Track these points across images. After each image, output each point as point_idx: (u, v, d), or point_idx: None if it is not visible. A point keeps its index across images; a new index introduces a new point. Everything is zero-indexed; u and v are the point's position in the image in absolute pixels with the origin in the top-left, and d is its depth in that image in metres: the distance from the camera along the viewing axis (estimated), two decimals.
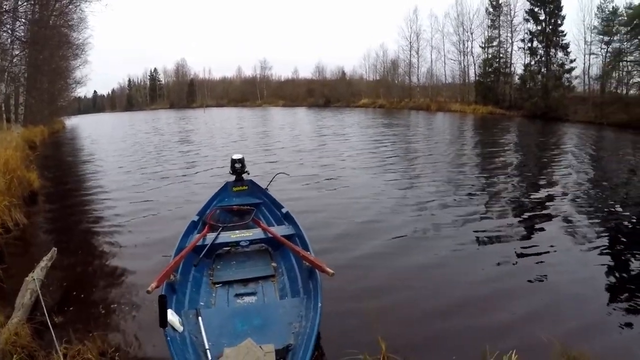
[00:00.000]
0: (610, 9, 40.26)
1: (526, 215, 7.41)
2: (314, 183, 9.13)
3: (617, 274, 5.08)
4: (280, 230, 4.75)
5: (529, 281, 4.71)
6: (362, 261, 5.07)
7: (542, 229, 6.60)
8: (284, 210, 5.45)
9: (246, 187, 6.64)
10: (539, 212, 7.67)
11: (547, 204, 8.20)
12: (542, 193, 9.17)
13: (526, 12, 42.64)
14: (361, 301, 3.98)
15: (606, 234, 6.31)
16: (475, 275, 4.75)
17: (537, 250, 5.64)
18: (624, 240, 6.31)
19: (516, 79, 43.20)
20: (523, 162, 13.81)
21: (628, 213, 7.73)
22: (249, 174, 6.78)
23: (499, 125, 27.73)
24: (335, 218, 6.80)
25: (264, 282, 3.97)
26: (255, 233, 4.77)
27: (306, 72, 74.82)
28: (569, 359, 3.03)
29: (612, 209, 8.02)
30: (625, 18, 38.96)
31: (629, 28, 38.44)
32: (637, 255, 5.65)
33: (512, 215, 7.32)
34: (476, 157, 13.99)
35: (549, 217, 7.27)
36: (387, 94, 50.52)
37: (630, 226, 6.98)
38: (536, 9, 42.27)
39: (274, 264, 4.32)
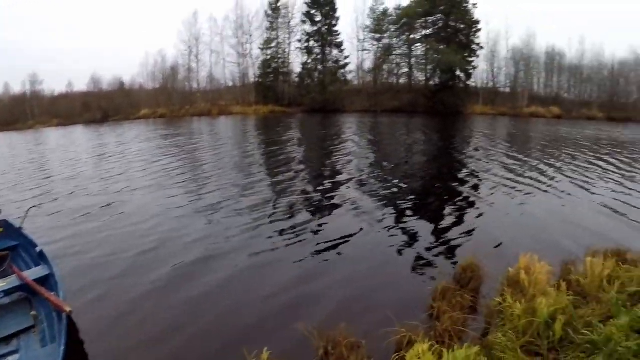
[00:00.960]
0: (382, 10, 52.70)
1: (318, 207, 8.15)
2: (87, 214, 8.90)
3: (406, 252, 6.25)
4: (35, 273, 4.76)
5: (329, 280, 5.45)
6: (136, 304, 5.14)
7: (334, 219, 7.48)
8: (38, 250, 5.40)
9: (0, 230, 6.26)
10: (329, 203, 8.54)
11: (336, 192, 9.22)
12: (330, 183, 10.24)
13: (303, 14, 51.30)
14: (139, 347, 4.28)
15: (393, 212, 7.72)
16: (265, 290, 5.28)
17: (332, 242, 6.44)
18: (410, 214, 7.77)
19: (294, 77, 51.03)
20: (307, 155, 15.24)
21: (407, 186, 9.69)
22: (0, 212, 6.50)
23: (281, 123, 31.63)
24: (110, 254, 6.59)
25: (24, 335, 3.97)
26: (10, 282, 4.61)
27: (82, 85, 66.43)
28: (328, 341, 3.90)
29: (395, 187, 9.63)
30: (395, 17, 50.72)
31: (397, 26, 50.08)
32: (420, 228, 6.99)
33: (305, 211, 7.93)
34: (261, 157, 15.53)
35: (339, 206, 8.16)
36: (168, 102, 49.48)
37: (414, 200, 8.67)
38: (313, 11, 51.26)
39: (34, 313, 4.29)
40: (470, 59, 50.74)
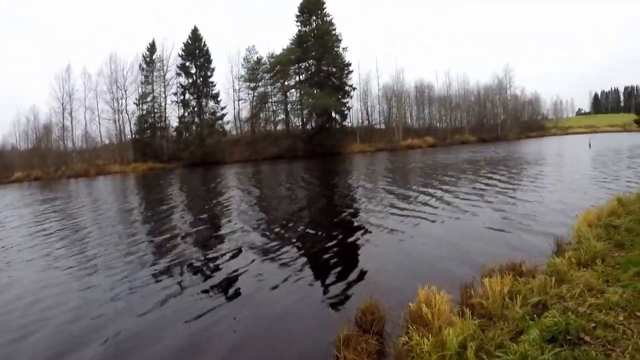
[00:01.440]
0: (255, 59, 59.56)
1: (203, 263, 8.42)
2: None
3: (302, 304, 6.36)
4: None
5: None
6: None
7: (221, 276, 7.61)
8: None
9: None
10: (214, 259, 8.68)
11: (221, 248, 9.42)
12: (214, 239, 10.55)
13: (178, 66, 55.33)
14: None
15: (281, 264, 8.02)
16: None
17: (222, 300, 6.57)
18: (299, 263, 8.11)
19: (172, 131, 54.64)
20: (189, 213, 15.53)
21: (293, 235, 10.46)
22: None
23: (161, 180, 32.32)
24: None
25: None
26: None
27: None
28: None
29: (282, 237, 10.25)
30: (268, 66, 57.63)
31: (271, 74, 56.99)
32: (311, 276, 7.35)
33: (190, 270, 8.08)
34: (142, 220, 14.93)
35: (224, 263, 8.33)
36: (42, 163, 48.35)
37: (302, 248, 9.20)
38: (187, 63, 55.61)
39: None
40: (344, 100, 59.50)
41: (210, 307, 6.29)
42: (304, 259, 8.47)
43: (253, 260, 8.36)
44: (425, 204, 13.89)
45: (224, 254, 8.90)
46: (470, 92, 78.61)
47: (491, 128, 75.75)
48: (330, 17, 58.88)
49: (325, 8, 58.82)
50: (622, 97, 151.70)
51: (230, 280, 7.38)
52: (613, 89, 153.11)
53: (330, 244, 9.64)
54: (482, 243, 8.58)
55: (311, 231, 11.22)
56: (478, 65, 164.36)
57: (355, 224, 11.82)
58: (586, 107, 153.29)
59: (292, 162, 43.60)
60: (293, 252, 8.94)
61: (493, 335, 4.13)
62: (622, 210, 9.17)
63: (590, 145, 39.42)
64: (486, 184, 17.55)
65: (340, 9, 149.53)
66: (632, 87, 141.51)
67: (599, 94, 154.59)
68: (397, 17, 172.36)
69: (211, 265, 8.32)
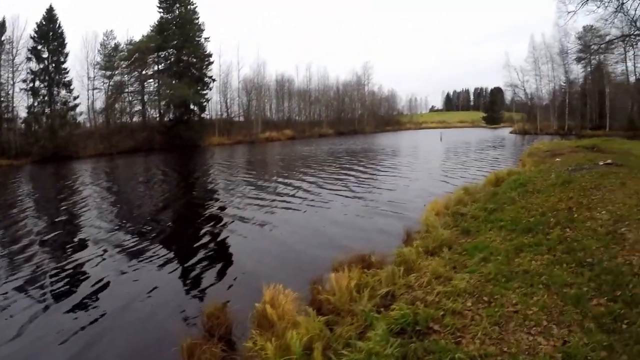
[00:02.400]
0: (113, 46, 59.14)
1: (51, 277, 8.25)
2: None
3: (147, 311, 6.55)
4: None
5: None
6: None
7: (72, 283, 7.82)
8: None
9: None
10: (65, 270, 8.60)
11: (86, 251, 9.53)
12: (66, 246, 10.37)
13: (29, 50, 51.31)
14: None
15: (132, 265, 8.27)
16: None
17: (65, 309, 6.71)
18: (148, 264, 8.44)
19: (20, 123, 51.42)
20: (48, 214, 15.15)
21: (147, 234, 10.74)
22: None
23: (7, 179, 30.25)
24: None
25: None
26: None
27: None
28: None
29: (135, 236, 10.57)
30: (126, 53, 58.38)
31: (129, 62, 57.86)
32: (159, 279, 7.52)
33: (37, 284, 7.85)
34: None
35: (76, 268, 8.47)
36: None
37: (154, 247, 9.51)
38: (39, 47, 51.79)
39: None
40: (204, 92, 64.20)
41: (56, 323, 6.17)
42: (162, 260, 8.62)
43: (111, 266, 8.34)
44: (287, 194, 15.53)
45: (81, 262, 8.73)
46: (329, 87, 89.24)
47: (349, 122, 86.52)
48: (194, 6, 62.55)
49: None
50: (472, 97, 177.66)
51: (88, 292, 7.14)
52: (464, 90, 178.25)
53: (190, 241, 10.09)
54: (338, 234, 9.65)
55: (172, 228, 11.68)
56: (339, 61, 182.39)
57: (215, 218, 12.47)
58: (439, 104, 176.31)
59: (150, 155, 45.69)
60: (152, 254, 9.04)
61: (340, 332, 4.37)
62: (469, 199, 10.68)
63: (441, 139, 48.34)
64: (345, 174, 20.24)
65: None
66: (481, 89, 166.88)
67: (451, 93, 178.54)
68: (261, 8, 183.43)
69: (66, 275, 8.03)
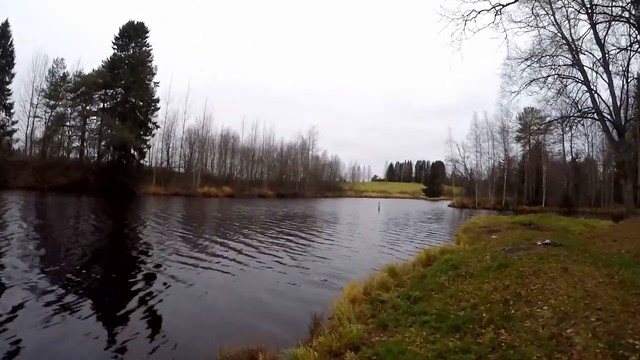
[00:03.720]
0: (61, 74, 60.43)
1: None
2: None
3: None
4: None
5: None
6: None
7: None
8: None
9: None
10: None
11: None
12: None
13: None
14: None
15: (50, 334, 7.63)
16: None
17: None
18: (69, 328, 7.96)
19: None
20: None
21: (73, 289, 10.39)
22: None
23: None
24: None
25: None
26: None
27: None
28: None
29: (64, 274, 10.93)
30: (73, 85, 59.18)
31: (74, 94, 58.60)
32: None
33: None
34: None
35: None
36: None
37: (83, 306, 9.21)
38: None
39: None
40: (146, 138, 64.68)
41: None
42: (81, 315, 8.48)
43: (29, 318, 8.09)
44: (222, 256, 15.69)
45: None
46: (274, 147, 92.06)
47: (290, 184, 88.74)
48: (150, 48, 64.63)
49: (148, 37, 64.34)
50: (414, 169, 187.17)
51: None
52: (407, 162, 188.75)
53: (113, 297, 10.21)
54: (258, 305, 9.65)
55: (98, 280, 11.62)
56: (285, 123, 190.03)
57: (144, 275, 12.46)
58: (382, 174, 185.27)
59: (82, 196, 45.38)
60: (73, 308, 8.83)
61: None
62: (393, 282, 10.02)
63: (379, 209, 49.52)
64: (285, 239, 20.65)
65: (159, 37, 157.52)
66: (424, 161, 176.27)
67: (394, 164, 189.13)
68: (213, 59, 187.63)
69: None
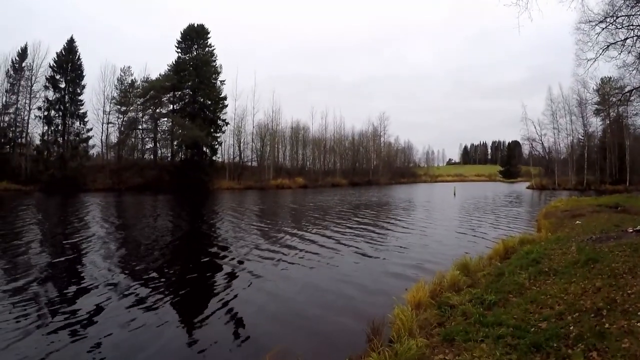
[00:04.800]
0: (129, 82, 62.55)
1: (64, 308, 8.59)
2: None
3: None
4: None
5: None
6: None
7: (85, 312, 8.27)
8: None
9: None
10: (73, 313, 8.58)
11: (82, 300, 9.33)
12: (76, 288, 10.36)
13: (47, 78, 54.85)
14: None
15: (144, 321, 7.98)
16: None
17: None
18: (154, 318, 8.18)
19: (32, 150, 54.27)
20: (49, 248, 15.37)
21: (160, 282, 10.73)
22: None
23: (14, 204, 31.67)
24: None
25: None
26: None
27: None
28: None
29: (148, 287, 10.35)
30: (141, 90, 61.04)
31: (144, 99, 60.56)
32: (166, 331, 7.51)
33: (51, 322, 7.90)
34: None
35: (88, 314, 8.35)
36: None
37: (164, 297, 9.44)
38: (58, 76, 55.58)
39: None
40: (216, 135, 65.41)
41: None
42: (163, 312, 8.47)
43: (113, 316, 8.16)
44: (295, 248, 15.34)
45: (82, 307, 8.56)
46: (345, 136, 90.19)
47: (363, 172, 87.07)
48: (212, 48, 65.30)
49: (209, 38, 65.11)
50: (489, 150, 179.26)
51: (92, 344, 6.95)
52: (482, 143, 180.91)
53: (192, 292, 10.11)
54: (318, 308, 8.83)
55: (177, 276, 11.54)
56: (354, 111, 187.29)
57: (222, 269, 12.26)
58: (456, 157, 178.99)
59: (158, 194, 46.30)
60: (157, 306, 8.84)
61: None
62: (465, 281, 8.58)
63: (455, 194, 47.21)
64: (362, 229, 19.83)
65: (223, 39, 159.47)
66: (499, 142, 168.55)
67: (468, 147, 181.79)
68: (280, 53, 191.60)
69: (65, 324, 7.70)
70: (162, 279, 11.14)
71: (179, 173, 57.46)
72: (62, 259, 13.66)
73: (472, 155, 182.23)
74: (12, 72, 54.10)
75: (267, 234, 19.02)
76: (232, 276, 11.57)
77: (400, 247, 15.67)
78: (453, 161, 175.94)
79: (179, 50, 63.89)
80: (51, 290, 9.95)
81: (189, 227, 22.71)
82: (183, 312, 8.69)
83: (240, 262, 13.16)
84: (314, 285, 10.65)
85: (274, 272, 11.87)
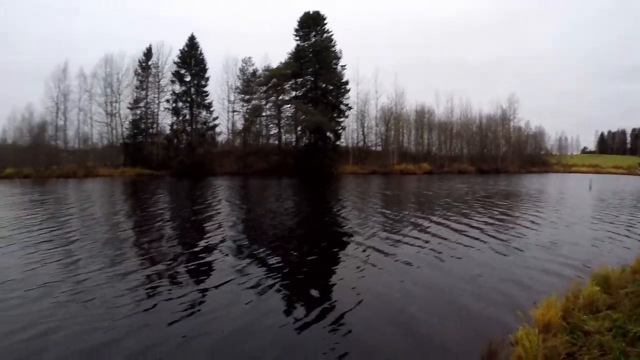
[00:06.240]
0: (251, 71, 63.12)
1: (199, 277, 8.85)
2: None
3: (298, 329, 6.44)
4: None
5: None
6: None
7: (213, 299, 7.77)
8: None
9: None
10: (205, 264, 9.69)
11: (217, 267, 9.68)
12: (210, 260, 10.49)
13: (173, 74, 58.01)
14: None
15: (277, 293, 7.98)
16: None
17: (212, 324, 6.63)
18: (298, 294, 8.14)
19: (162, 139, 57.66)
20: (183, 230, 15.37)
21: (290, 261, 10.60)
22: None
23: (150, 186, 34.98)
24: None
25: None
26: None
27: None
28: None
29: (277, 265, 10.13)
30: (263, 79, 60.88)
31: (266, 87, 60.13)
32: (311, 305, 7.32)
33: (195, 282, 8.46)
34: (135, 232, 14.34)
35: (221, 283, 8.52)
36: (34, 161, 50.36)
37: (299, 274, 9.49)
38: (182, 71, 58.32)
39: None
40: (339, 120, 63.06)
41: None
42: (309, 288, 8.39)
43: (251, 287, 8.23)
44: (419, 238, 13.60)
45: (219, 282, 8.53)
46: (472, 120, 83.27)
47: (491, 159, 79.75)
48: (330, 33, 62.95)
49: (326, 24, 62.98)
50: (628, 139, 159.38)
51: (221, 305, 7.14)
52: (620, 130, 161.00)
53: (320, 274, 9.61)
54: (439, 310, 7.28)
55: (303, 260, 10.87)
56: (481, 93, 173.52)
57: (344, 256, 11.35)
58: (591, 145, 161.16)
59: (282, 178, 46.30)
60: (293, 279, 9.01)
61: None
62: (605, 300, 6.44)
63: (590, 188, 41.23)
64: (499, 223, 17.00)
65: (342, 25, 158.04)
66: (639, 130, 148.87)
67: (605, 134, 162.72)
68: (401, 37, 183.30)
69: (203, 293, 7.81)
70: (290, 261, 10.60)
71: (302, 158, 57.05)
72: (201, 236, 13.71)
73: (610, 144, 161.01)
74: (140, 71, 57.80)
75: (391, 220, 17.65)
76: (350, 261, 10.66)
77: (541, 245, 12.83)
78: (588, 150, 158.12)
79: (297, 38, 62.69)
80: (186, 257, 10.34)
81: (312, 209, 22.30)
82: (297, 293, 8.17)
83: (361, 247, 12.06)
84: (438, 282, 8.94)
85: (393, 263, 10.46)
